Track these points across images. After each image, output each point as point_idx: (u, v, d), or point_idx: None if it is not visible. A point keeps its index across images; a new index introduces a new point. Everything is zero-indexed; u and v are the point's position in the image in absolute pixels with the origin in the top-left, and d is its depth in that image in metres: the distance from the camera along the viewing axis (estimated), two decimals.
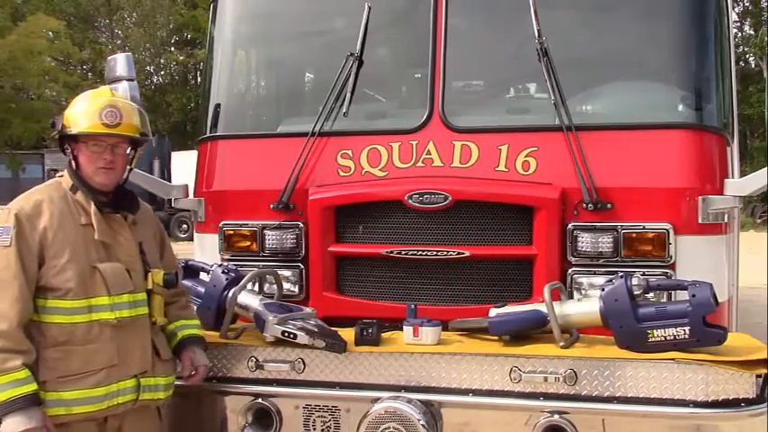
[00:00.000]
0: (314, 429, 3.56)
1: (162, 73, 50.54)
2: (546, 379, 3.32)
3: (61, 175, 3.31)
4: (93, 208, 3.20)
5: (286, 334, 3.55)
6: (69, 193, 3.22)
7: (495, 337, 3.60)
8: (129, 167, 3.39)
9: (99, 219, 3.20)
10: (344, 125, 4.26)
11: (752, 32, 39.00)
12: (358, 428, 3.44)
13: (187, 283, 3.96)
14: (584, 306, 3.53)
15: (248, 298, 3.82)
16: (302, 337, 3.51)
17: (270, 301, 3.84)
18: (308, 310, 3.80)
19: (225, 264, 4.17)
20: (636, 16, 4.24)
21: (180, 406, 3.68)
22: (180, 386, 3.54)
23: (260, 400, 3.60)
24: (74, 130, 3.18)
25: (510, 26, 4.36)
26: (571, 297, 3.83)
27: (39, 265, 3.08)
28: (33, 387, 2.96)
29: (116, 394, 3.17)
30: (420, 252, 4.01)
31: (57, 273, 3.08)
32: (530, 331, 3.59)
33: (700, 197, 3.84)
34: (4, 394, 2.90)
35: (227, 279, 3.90)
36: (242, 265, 4.19)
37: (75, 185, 3.23)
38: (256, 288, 4.21)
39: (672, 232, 3.80)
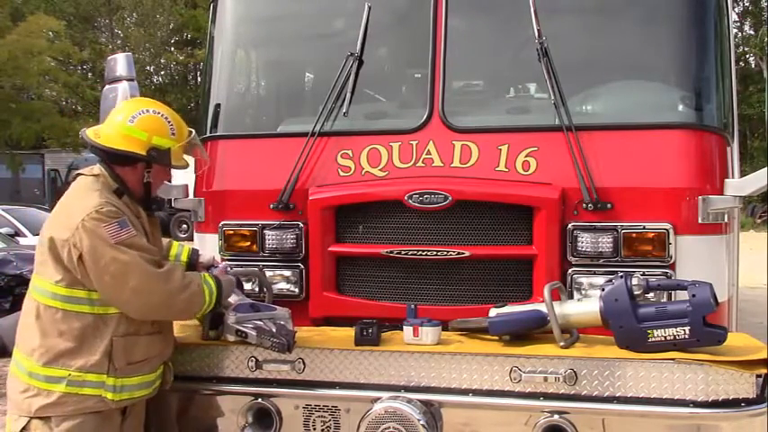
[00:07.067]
0: (314, 429, 3.56)
1: (162, 73, 50.51)
2: (546, 379, 3.32)
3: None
4: (143, 212, 3.50)
5: (240, 333, 3.57)
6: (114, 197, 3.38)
7: (495, 337, 3.60)
8: None
9: (145, 220, 3.51)
10: (344, 125, 4.25)
11: (752, 32, 39.03)
12: (358, 428, 3.45)
13: None
14: (584, 306, 3.53)
15: (232, 298, 3.78)
16: (252, 337, 3.53)
17: (244, 301, 3.80)
18: (281, 310, 3.74)
19: (224, 263, 4.16)
20: (636, 16, 4.23)
21: (180, 406, 3.68)
22: (180, 385, 3.56)
23: (260, 400, 3.60)
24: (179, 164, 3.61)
25: (510, 26, 4.35)
26: (571, 297, 3.83)
27: None
28: None
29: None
30: (420, 252, 4.01)
31: None
32: (530, 331, 3.59)
33: (700, 197, 3.83)
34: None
35: None
36: (242, 266, 4.20)
37: (122, 191, 3.39)
38: (256, 288, 4.21)
39: (672, 232, 3.80)
